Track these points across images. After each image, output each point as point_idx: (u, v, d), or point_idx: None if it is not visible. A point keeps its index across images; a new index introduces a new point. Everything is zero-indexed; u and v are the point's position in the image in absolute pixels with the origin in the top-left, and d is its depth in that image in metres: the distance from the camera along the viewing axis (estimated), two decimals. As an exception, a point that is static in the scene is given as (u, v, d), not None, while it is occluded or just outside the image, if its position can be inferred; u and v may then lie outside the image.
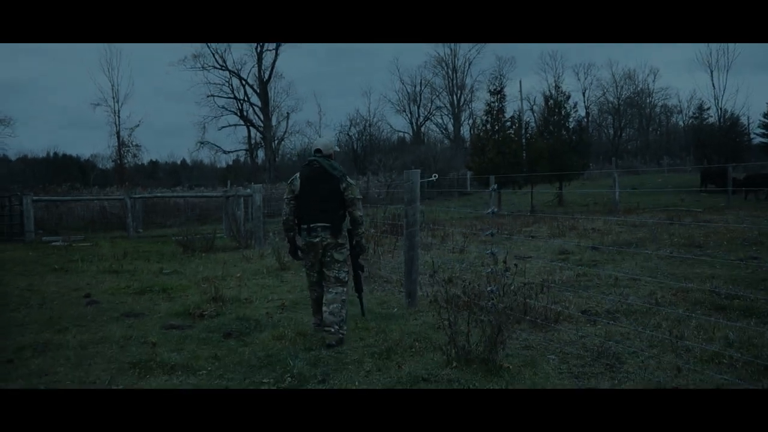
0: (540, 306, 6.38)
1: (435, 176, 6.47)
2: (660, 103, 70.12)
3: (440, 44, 62.85)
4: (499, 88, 24.38)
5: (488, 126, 24.44)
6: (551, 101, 27.19)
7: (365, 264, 7.51)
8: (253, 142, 56.08)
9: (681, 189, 32.43)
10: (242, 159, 59.03)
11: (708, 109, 64.14)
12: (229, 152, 57.06)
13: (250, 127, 55.38)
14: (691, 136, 60.38)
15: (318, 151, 5.94)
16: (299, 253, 6.06)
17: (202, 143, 54.56)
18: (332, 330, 5.65)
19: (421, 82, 64.82)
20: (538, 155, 23.69)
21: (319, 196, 5.73)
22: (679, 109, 70.40)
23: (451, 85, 65.41)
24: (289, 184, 5.93)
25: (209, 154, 61.63)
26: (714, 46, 58.30)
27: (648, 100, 69.61)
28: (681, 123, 69.88)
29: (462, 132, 65.76)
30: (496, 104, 24.30)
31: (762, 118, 57.57)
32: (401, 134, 65.66)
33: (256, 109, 54.85)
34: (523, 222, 18.19)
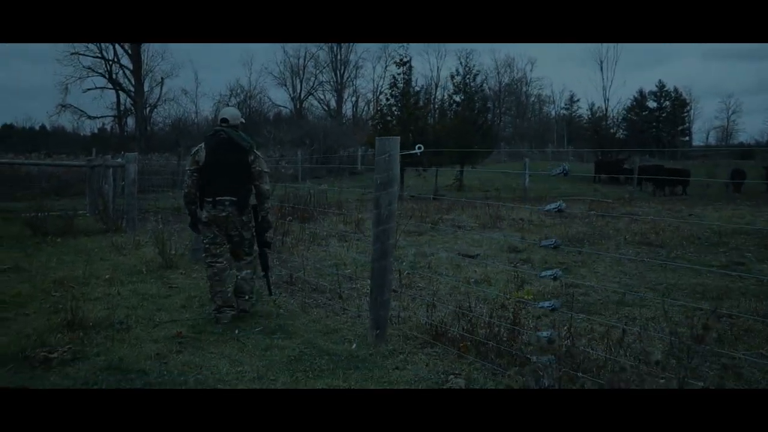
0: (581, 350, 4.22)
1: (420, 147, 4.15)
2: (535, 93, 72.04)
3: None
4: (406, 59, 22.14)
5: (393, 100, 22.20)
6: (457, 78, 25.45)
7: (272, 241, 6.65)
8: (122, 108, 50.84)
9: (576, 177, 31.97)
10: (110, 127, 53.58)
11: (578, 101, 67.30)
12: (95, 118, 51.07)
13: (120, 92, 50.05)
14: (562, 126, 62.39)
15: (224, 120, 5.60)
16: (200, 227, 5.60)
17: (63, 106, 48.61)
18: (245, 297, 5.63)
19: (305, 55, 61.70)
20: (446, 134, 21.81)
21: (226, 168, 5.40)
22: (552, 99, 72.69)
23: (335, 60, 62.86)
24: (193, 155, 5.51)
25: (72, 120, 54.87)
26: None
27: (525, 89, 71.08)
28: (553, 113, 72.13)
29: (344, 109, 63.88)
30: (402, 77, 22.08)
31: (624, 113, 60.27)
32: (282, 108, 62.53)
33: (127, 72, 49.43)
34: (438, 207, 16.23)
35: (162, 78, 50.85)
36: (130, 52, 48.31)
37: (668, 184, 25.37)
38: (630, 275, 7.82)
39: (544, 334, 3.49)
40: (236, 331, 5.05)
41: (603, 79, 68.20)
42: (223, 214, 5.39)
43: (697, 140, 67.92)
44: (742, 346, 4.84)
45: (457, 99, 25.44)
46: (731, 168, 27.65)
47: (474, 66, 25.93)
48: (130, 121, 51.41)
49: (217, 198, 5.37)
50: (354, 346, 4.68)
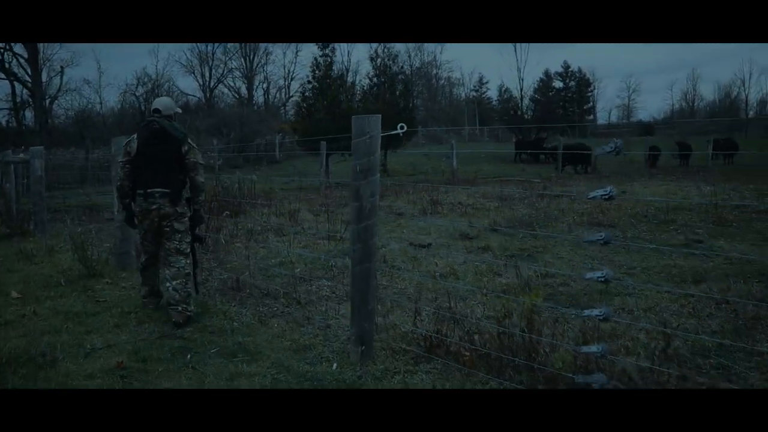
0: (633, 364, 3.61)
1: (403, 127, 3.40)
2: (445, 76, 72.73)
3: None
4: (327, 42, 21.21)
5: (315, 84, 21.27)
6: (377, 61, 24.75)
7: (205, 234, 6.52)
8: (18, 100, 47.59)
9: (496, 157, 32.01)
10: (5, 120, 49.96)
11: (487, 83, 68.74)
12: (-13, 111, 47.89)
13: (15, 82, 46.81)
14: (473, 108, 63.34)
15: (156, 111, 5.42)
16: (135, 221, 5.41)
17: (-53, 99, 45.09)
18: (179, 309, 5.10)
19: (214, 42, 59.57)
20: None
21: (158, 159, 5.21)
22: (461, 81, 74.82)
23: (244, 46, 61.16)
24: (125, 145, 5.36)
25: (-40, 114, 50.48)
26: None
27: (435, 72, 71.52)
28: (463, 95, 73.42)
29: (256, 97, 62.75)
30: (324, 59, 21.17)
31: (532, 94, 61.84)
32: (191, 97, 60.28)
33: (22, 60, 46.35)
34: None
35: (62, 67, 47.82)
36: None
37: (586, 162, 25.57)
38: (597, 259, 7.37)
39: (594, 348, 2.86)
40: (188, 356, 4.20)
41: (517, 60, 69.61)
42: (154, 206, 5.19)
43: (601, 119, 70.34)
44: (762, 338, 4.38)
45: (377, 81, 24.73)
46: (647, 144, 28.05)
47: (393, 48, 25.20)
48: (28, 114, 48.18)
49: (149, 190, 5.17)
50: (335, 366, 3.94)
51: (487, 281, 6.28)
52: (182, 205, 5.31)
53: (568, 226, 9.87)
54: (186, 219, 5.35)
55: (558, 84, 64.11)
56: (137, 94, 49.18)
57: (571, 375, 3.03)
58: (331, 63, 21.31)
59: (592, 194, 2.77)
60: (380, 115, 3.86)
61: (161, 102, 5.54)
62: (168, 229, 5.25)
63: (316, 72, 21.15)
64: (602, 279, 2.82)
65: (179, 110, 5.77)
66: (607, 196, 2.73)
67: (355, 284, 3.93)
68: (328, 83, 20.98)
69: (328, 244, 8.60)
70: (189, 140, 5.34)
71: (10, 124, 48.01)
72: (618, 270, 6.82)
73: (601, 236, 2.79)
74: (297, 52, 63.32)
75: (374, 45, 25.59)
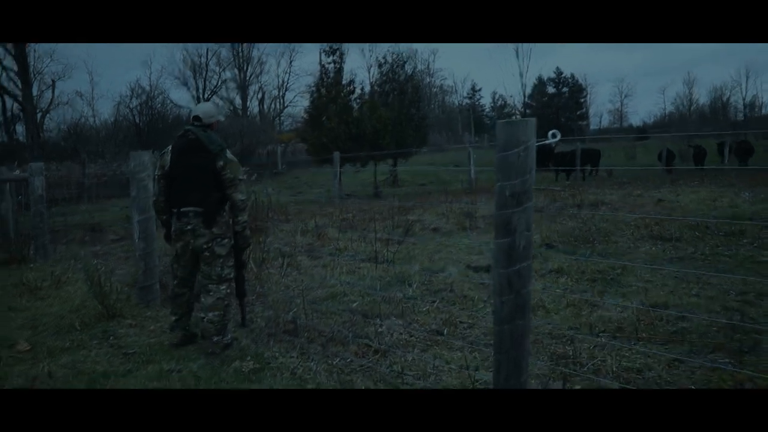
0: None
1: (555, 134, 2.39)
2: (438, 83, 72.41)
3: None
4: (336, 47, 20.16)
5: (323, 91, 20.20)
6: (385, 66, 23.77)
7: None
8: (9, 114, 46.43)
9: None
10: (-6, 135, 48.66)
11: (480, 90, 69.51)
12: (-25, 126, 46.69)
13: (5, 96, 45.72)
14: (465, 115, 63.49)
15: (197, 118, 4.82)
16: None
17: (-65, 114, 43.94)
18: (213, 340, 4.73)
19: (207, 52, 58.50)
20: (383, 126, 20.01)
21: (192, 174, 4.69)
22: (454, 89, 73.90)
23: (238, 57, 60.21)
24: (160, 157, 4.90)
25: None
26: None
27: (428, 80, 71.16)
28: (456, 103, 73.26)
29: (250, 108, 61.71)
30: (333, 66, 20.14)
31: (526, 100, 61.73)
32: (183, 109, 59.26)
33: (12, 74, 45.14)
34: (390, 208, 14.48)
35: (53, 80, 46.82)
36: (13, 52, 43.97)
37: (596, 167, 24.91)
38: (694, 283, 6.32)
39: None
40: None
41: (519, 65, 69.67)
42: (189, 227, 4.73)
43: (592, 124, 70.16)
44: None
45: (388, 89, 23.70)
46: (665, 149, 27.18)
47: (402, 53, 24.15)
48: (19, 128, 47.03)
49: (182, 209, 4.74)
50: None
51: (587, 316, 5.24)
52: (220, 225, 4.78)
53: (633, 242, 8.85)
54: (227, 241, 4.84)
55: (551, 90, 64.04)
56: (131, 106, 48.03)
57: None
58: (341, 69, 20.25)
59: None
60: (534, 119, 2.82)
61: (202, 108, 4.94)
62: (208, 253, 4.75)
63: (325, 78, 20.10)
64: None
65: (222, 118, 5.09)
66: None
67: (502, 348, 2.86)
68: (338, 90, 19.92)
69: (374, 268, 7.54)
70: (226, 154, 4.78)
71: (1, 140, 46.97)
72: (728, 298, 5.78)
73: None
74: (291, 61, 62.38)
75: (380, 50, 24.65)
